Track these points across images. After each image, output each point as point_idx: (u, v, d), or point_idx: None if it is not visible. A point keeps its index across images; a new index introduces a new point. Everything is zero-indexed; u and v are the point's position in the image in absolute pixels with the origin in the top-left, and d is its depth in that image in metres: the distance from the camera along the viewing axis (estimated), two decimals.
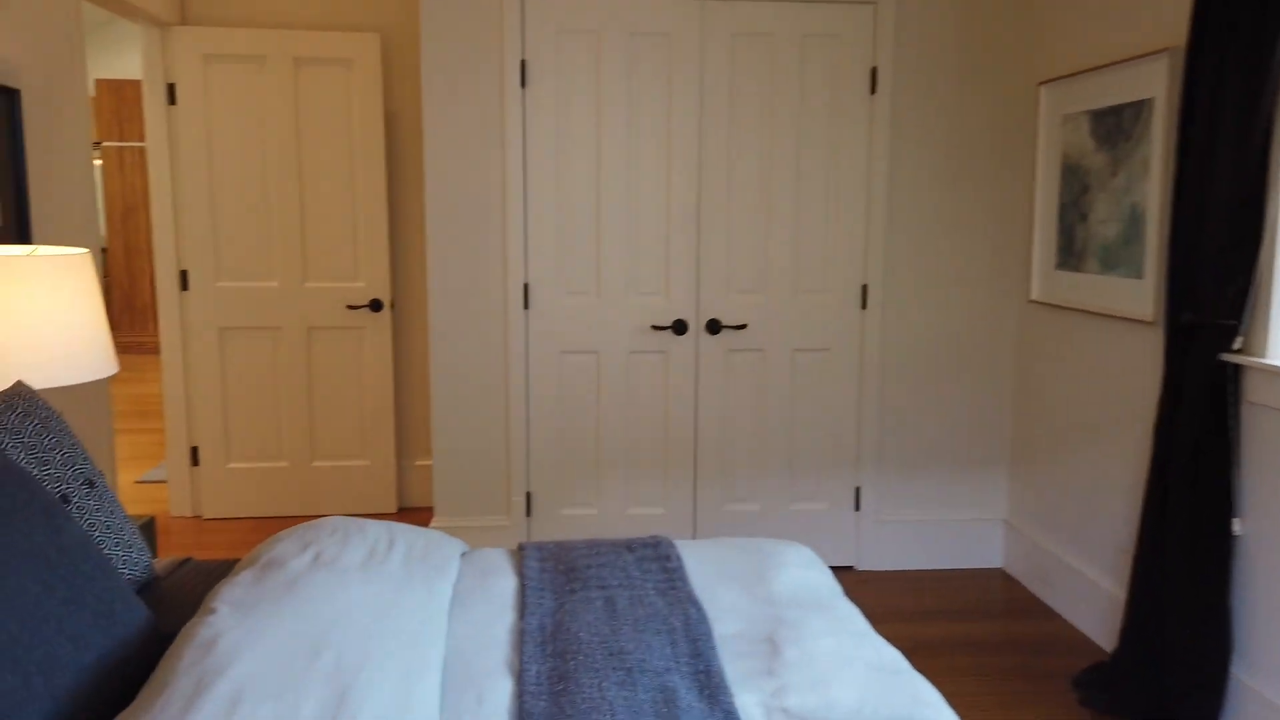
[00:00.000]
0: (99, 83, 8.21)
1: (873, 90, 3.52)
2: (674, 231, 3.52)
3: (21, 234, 2.84)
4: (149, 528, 2.61)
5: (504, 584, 1.95)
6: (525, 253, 3.50)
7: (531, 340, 3.55)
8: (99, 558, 1.56)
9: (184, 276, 4.22)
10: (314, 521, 2.01)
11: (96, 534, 1.81)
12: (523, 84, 3.41)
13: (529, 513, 3.65)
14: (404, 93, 4.30)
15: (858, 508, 3.74)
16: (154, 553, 2.60)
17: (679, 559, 2.04)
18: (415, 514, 4.42)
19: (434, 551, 1.95)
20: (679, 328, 3.54)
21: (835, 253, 3.60)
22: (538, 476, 3.62)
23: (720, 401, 3.63)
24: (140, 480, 4.91)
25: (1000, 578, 3.72)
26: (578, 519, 3.66)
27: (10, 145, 2.78)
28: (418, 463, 4.52)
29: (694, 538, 3.70)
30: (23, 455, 1.74)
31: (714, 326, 3.55)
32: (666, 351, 3.59)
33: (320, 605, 1.60)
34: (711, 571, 2.03)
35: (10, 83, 2.80)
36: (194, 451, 4.33)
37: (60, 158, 3.10)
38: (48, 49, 3.01)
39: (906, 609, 3.43)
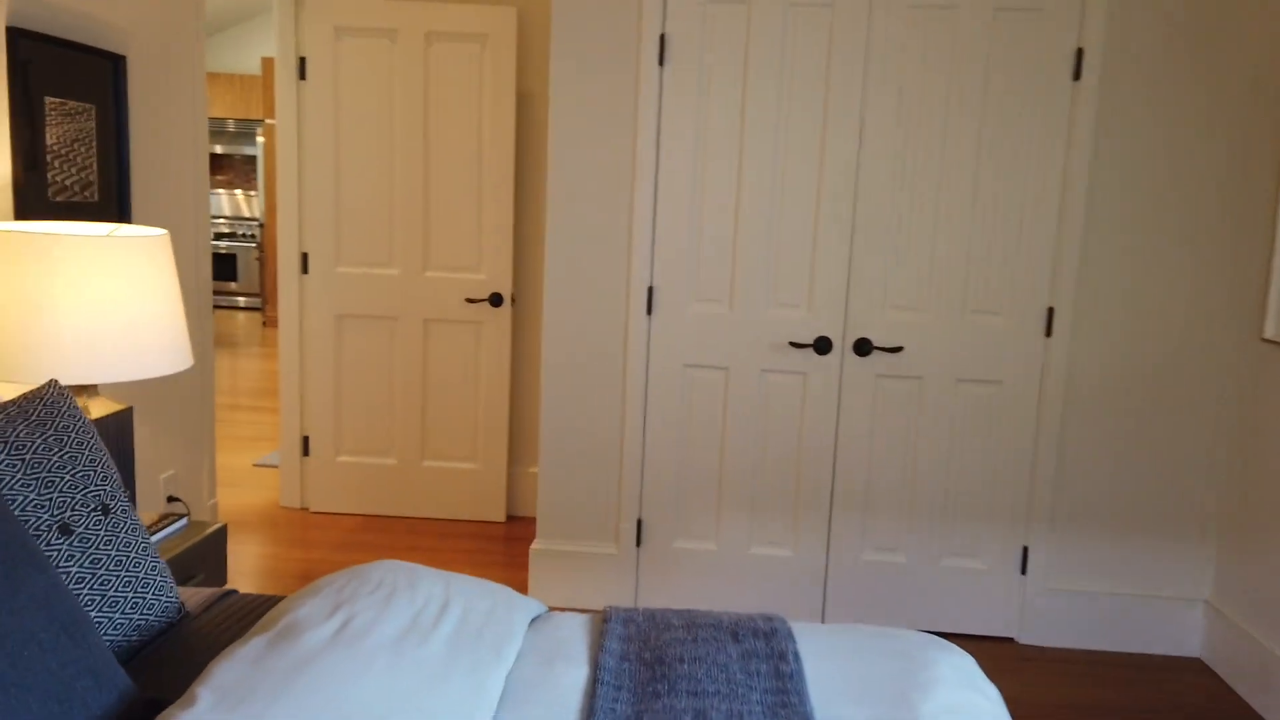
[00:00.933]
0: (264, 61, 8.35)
1: (1076, 76, 2.93)
2: (823, 235, 3.05)
3: (120, 211, 2.67)
4: (218, 539, 2.38)
5: (573, 675, 1.56)
6: (652, 252, 3.11)
7: (653, 350, 3.16)
8: (69, 619, 1.27)
9: (305, 259, 4.06)
10: (361, 569, 1.68)
11: (101, 573, 1.54)
12: (661, 61, 3.01)
13: (639, 542, 3.26)
14: (540, 72, 3.99)
15: (1024, 571, 3.17)
16: (213, 573, 2.36)
17: (796, 658, 1.60)
18: (524, 524, 4.12)
19: (495, 623, 1.59)
20: (822, 346, 3.07)
21: (1017, 268, 3.03)
22: (652, 502, 3.24)
23: (866, 433, 3.13)
24: (257, 464, 4.84)
25: (1197, 671, 3.07)
26: (693, 554, 3.25)
27: (114, 116, 2.61)
28: (530, 470, 4.22)
29: (825, 587, 3.23)
30: (18, 477, 1.47)
31: (863, 347, 3.06)
32: (805, 373, 3.13)
33: (329, 700, 1.26)
34: (838, 680, 1.58)
35: (116, 48, 2.62)
36: (305, 441, 4.17)
37: (170, 131, 2.92)
38: (161, 15, 2.83)
39: (1078, 700, 2.85)
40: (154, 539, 2.23)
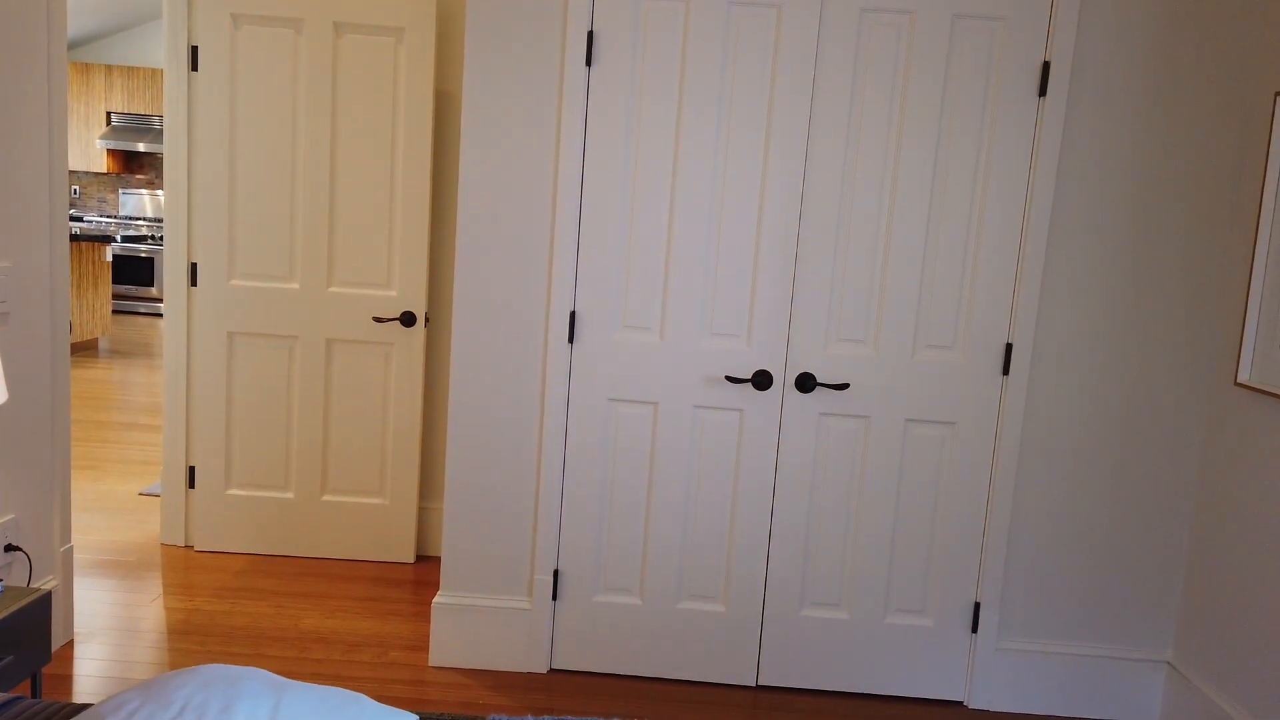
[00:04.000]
0: None
1: (1042, 92, 2.69)
2: (764, 260, 2.76)
3: None
4: (37, 609, 1.98)
5: None
6: (576, 274, 2.78)
7: (575, 382, 2.83)
8: None
9: (193, 270, 3.65)
10: (164, 682, 1.32)
11: None
12: (588, 61, 2.70)
13: (555, 595, 2.92)
14: (460, 70, 3.65)
15: (975, 629, 2.90)
16: (32, 650, 1.96)
17: None
18: (434, 565, 3.75)
19: None
20: (761, 381, 2.78)
21: (973, 301, 2.78)
22: (571, 551, 2.90)
23: (807, 476, 2.84)
24: (143, 493, 4.38)
25: None
26: (616, 609, 2.92)
27: None
28: (443, 506, 3.85)
29: (760, 646, 2.92)
30: None
31: (806, 383, 2.77)
32: (742, 409, 2.83)
33: None
34: None
35: None
36: (190, 472, 3.76)
37: (10, 129, 2.52)
38: None
39: None
40: None
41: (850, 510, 2.87)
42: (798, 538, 2.87)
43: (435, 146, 3.66)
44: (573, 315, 2.80)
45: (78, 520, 4.00)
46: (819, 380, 2.80)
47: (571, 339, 2.81)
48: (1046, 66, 2.67)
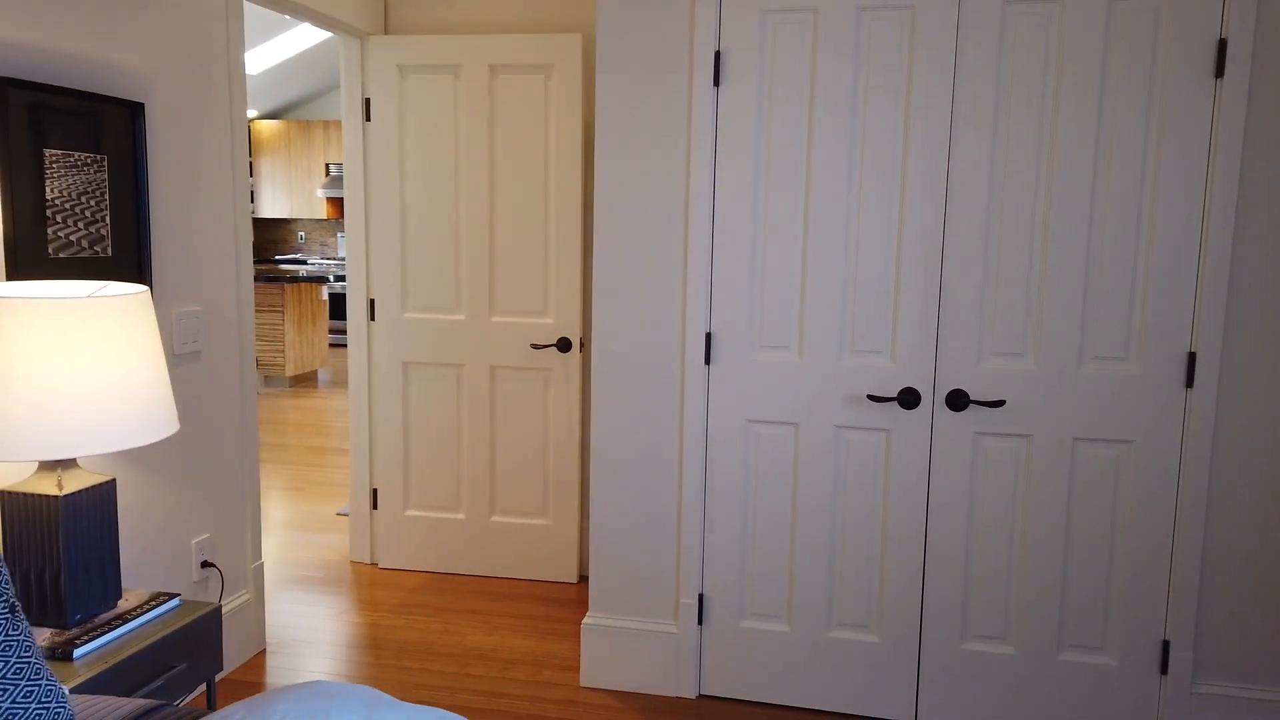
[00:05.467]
0: None
1: (1218, 73, 2.42)
2: (907, 271, 2.63)
3: (140, 266, 2.55)
4: (208, 622, 2.17)
5: None
6: (710, 295, 2.76)
7: (713, 403, 2.80)
8: None
9: (371, 305, 3.92)
10: (265, 701, 1.41)
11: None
12: (716, 81, 2.68)
13: (701, 620, 2.89)
14: None
15: (1164, 670, 2.62)
16: (204, 660, 2.16)
17: None
18: None
19: None
20: (908, 399, 2.64)
21: (1147, 306, 2.52)
22: (715, 575, 2.86)
23: (963, 500, 2.67)
24: (340, 513, 4.73)
25: None
26: (764, 636, 2.85)
27: (130, 167, 2.49)
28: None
29: (918, 681, 2.76)
30: None
31: (958, 400, 2.61)
32: (889, 429, 2.70)
33: None
34: None
35: (132, 95, 2.51)
36: (374, 494, 4.02)
37: (202, 181, 2.80)
38: (189, 60, 2.72)
39: None
40: (133, 625, 2.04)
41: (1013, 536, 2.66)
42: (955, 565, 2.70)
43: (585, 177, 3.76)
44: (708, 336, 2.78)
45: (282, 538, 4.37)
46: (972, 397, 2.63)
47: (708, 360, 2.79)
48: (1223, 44, 2.39)
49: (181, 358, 2.76)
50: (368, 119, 3.82)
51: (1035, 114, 2.51)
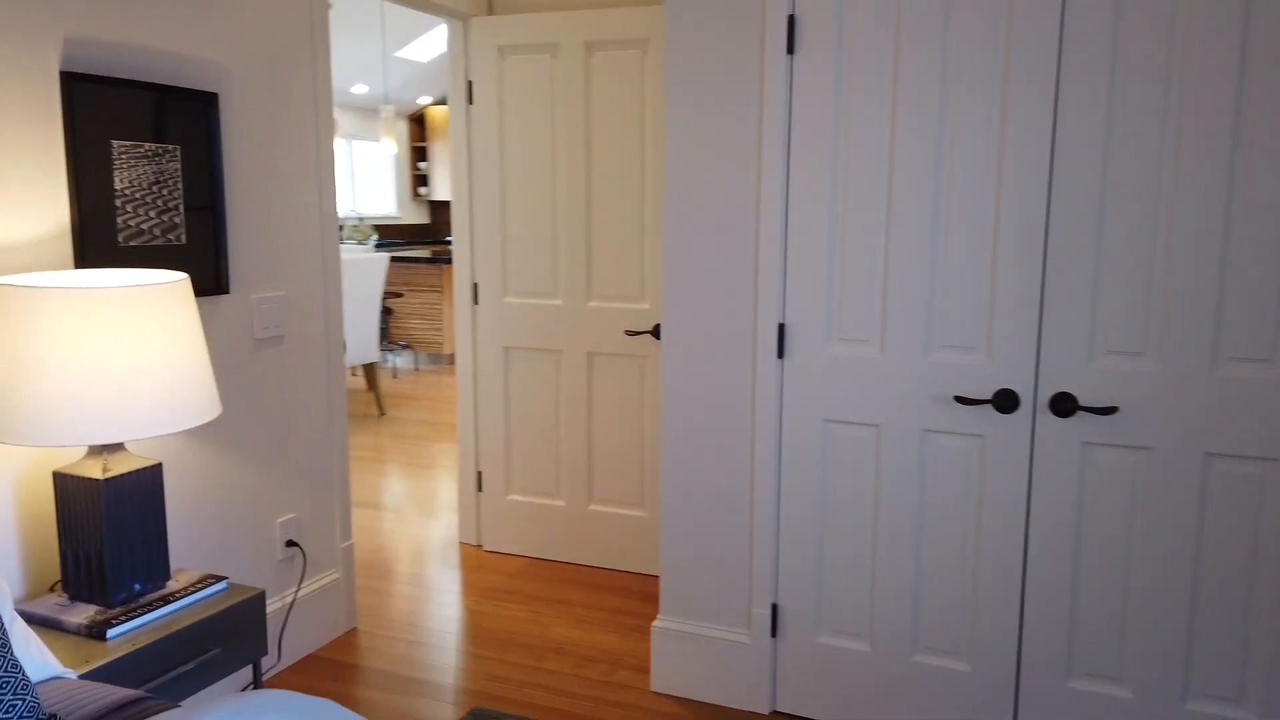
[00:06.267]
0: None
1: None
2: (1004, 257, 2.31)
3: (216, 253, 2.61)
4: (249, 607, 2.20)
5: None
6: (783, 283, 2.54)
7: (787, 400, 2.59)
8: None
9: (475, 289, 3.92)
10: (213, 702, 1.36)
11: None
12: (790, 49, 2.45)
13: (775, 632, 2.70)
14: None
15: None
16: (243, 644, 2.18)
17: None
18: None
19: None
20: (1005, 403, 2.33)
21: None
22: (790, 585, 2.66)
23: (1069, 518, 2.34)
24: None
25: None
26: (843, 655, 2.62)
27: (205, 156, 2.55)
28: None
29: (1015, 718, 2.46)
30: None
31: (1064, 405, 2.28)
32: (982, 435, 2.40)
33: None
34: None
35: (204, 85, 2.57)
36: (479, 477, 4.03)
37: (282, 168, 2.85)
38: (264, 48, 2.76)
39: None
40: (171, 607, 2.09)
41: (1130, 563, 2.31)
42: (1059, 591, 2.38)
43: None
44: (781, 328, 2.56)
45: (402, 515, 4.48)
46: (1080, 402, 2.29)
47: (781, 353, 2.57)
48: None
49: (263, 342, 2.82)
50: (470, 102, 3.80)
51: (1156, 79, 2.13)
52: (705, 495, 2.72)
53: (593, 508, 3.83)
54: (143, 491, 2.10)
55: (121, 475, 2.05)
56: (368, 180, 12.89)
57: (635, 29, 3.47)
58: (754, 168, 2.53)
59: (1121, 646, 2.35)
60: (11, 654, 1.44)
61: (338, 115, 11.57)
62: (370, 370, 6.77)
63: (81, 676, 1.83)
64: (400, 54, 9.77)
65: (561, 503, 3.87)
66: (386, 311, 9.00)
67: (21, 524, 2.16)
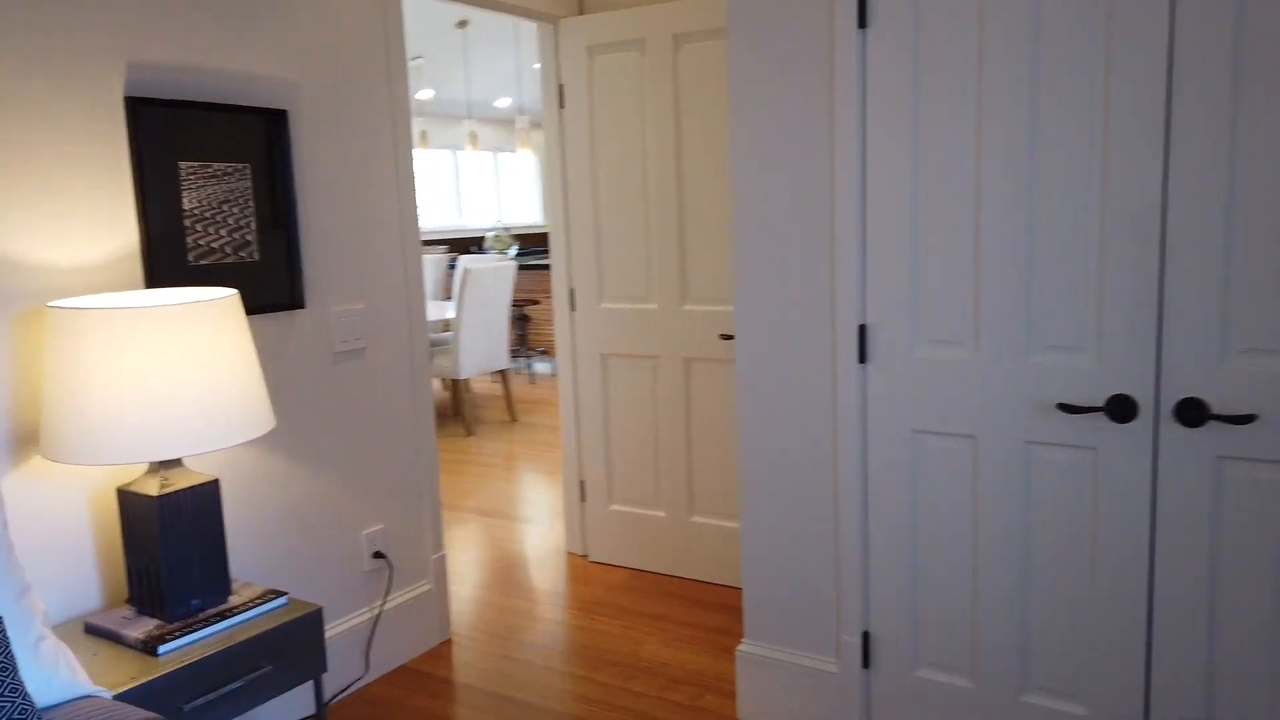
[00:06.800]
0: None
1: None
2: (1114, 246, 2.01)
3: (290, 267, 2.64)
4: (305, 624, 2.19)
5: None
6: (863, 280, 2.32)
7: (871, 409, 2.35)
8: None
9: (572, 295, 3.84)
10: None
11: None
12: (862, 22, 2.23)
13: (866, 663, 2.46)
14: None
15: None
16: (300, 661, 2.17)
17: None
18: None
19: None
20: (1120, 410, 2.03)
21: None
22: (882, 612, 2.42)
23: (1202, 543, 2.01)
24: None
25: None
26: (942, 690, 2.36)
27: (277, 174, 2.58)
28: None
29: None
30: None
31: (1192, 413, 1.95)
32: (1095, 448, 2.09)
33: None
34: None
35: (273, 104, 2.59)
36: (582, 486, 3.96)
37: (357, 183, 2.85)
38: (335, 65, 2.77)
39: None
40: (225, 624, 2.10)
41: (1276, 592, 1.96)
42: (1193, 627, 2.04)
43: None
44: (862, 329, 2.33)
45: (513, 524, 4.47)
46: (1212, 410, 1.96)
47: (863, 357, 2.35)
48: None
49: (343, 355, 2.83)
50: (561, 106, 3.73)
51: None
52: (786, 511, 2.52)
53: (694, 519, 3.68)
54: (199, 507, 2.12)
55: (177, 491, 2.07)
56: (513, 191, 13.16)
57: (723, 17, 3.29)
58: (826, 153, 2.32)
59: (1273, 688, 1.99)
60: (14, 677, 1.44)
61: (480, 129, 11.89)
62: (503, 377, 6.86)
63: (128, 692, 1.85)
64: (537, 66, 9.92)
65: (662, 513, 3.74)
66: (524, 319, 9.14)
67: (98, 537, 2.23)
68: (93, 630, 2.09)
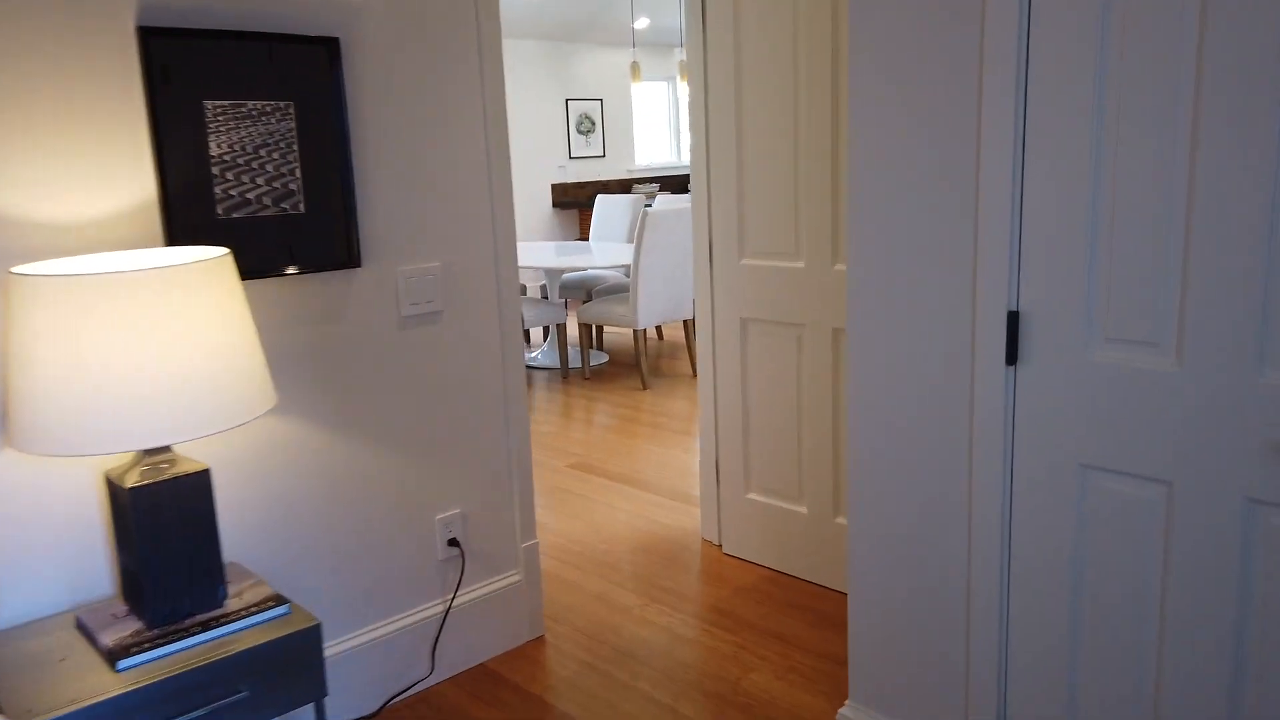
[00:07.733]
0: None
1: None
2: None
3: (346, 219, 2.33)
4: (300, 641, 1.90)
5: None
6: (1016, 248, 1.65)
7: (1021, 431, 1.70)
8: None
9: (711, 249, 3.32)
10: None
11: None
12: None
13: None
14: None
15: None
16: (295, 683, 1.88)
17: None
18: None
19: None
20: None
21: None
22: (1027, 685, 1.79)
23: None
24: None
25: None
26: None
27: (328, 112, 2.25)
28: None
29: None
30: None
31: None
32: None
33: None
34: None
35: (320, 30, 2.25)
36: (717, 467, 3.48)
37: (432, 121, 2.48)
38: None
39: None
40: (204, 636, 1.83)
41: None
42: None
43: None
44: (1013, 317, 1.68)
45: (663, 499, 4.08)
46: None
47: (1013, 358, 1.69)
48: None
49: (412, 319, 2.51)
50: (704, 35, 3.17)
51: None
52: (902, 554, 1.93)
53: (840, 520, 3.10)
54: (184, 501, 1.85)
55: (156, 483, 1.82)
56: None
57: None
58: (970, 103, 1.66)
59: None
60: None
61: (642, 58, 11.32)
62: (686, 328, 6.45)
63: (61, 718, 1.62)
64: None
65: (803, 509, 3.19)
66: None
67: (107, 522, 2.04)
68: (81, 627, 1.90)
